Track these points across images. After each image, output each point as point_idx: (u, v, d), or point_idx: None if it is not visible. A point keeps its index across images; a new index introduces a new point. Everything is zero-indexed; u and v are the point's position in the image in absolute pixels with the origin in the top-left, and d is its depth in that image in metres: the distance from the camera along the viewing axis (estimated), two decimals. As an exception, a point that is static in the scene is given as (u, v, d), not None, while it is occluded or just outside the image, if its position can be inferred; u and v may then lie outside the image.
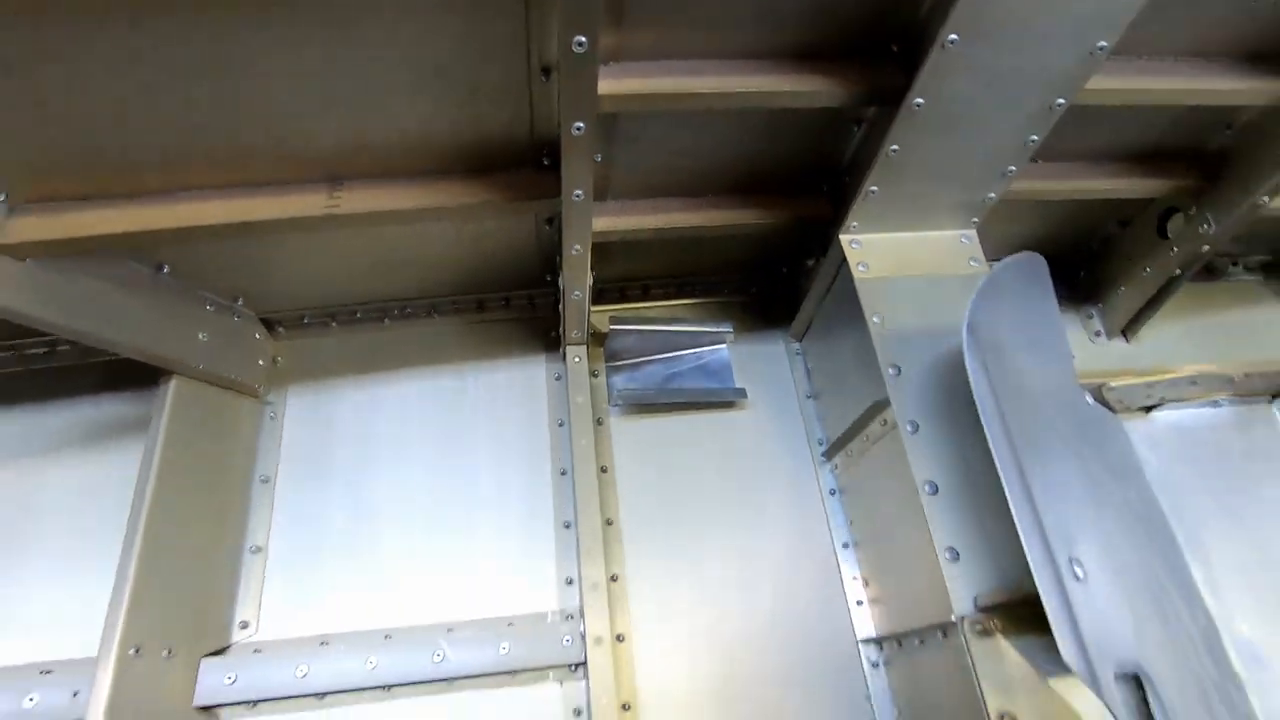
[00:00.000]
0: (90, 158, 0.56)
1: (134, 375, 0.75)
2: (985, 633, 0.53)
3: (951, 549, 0.56)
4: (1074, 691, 0.50)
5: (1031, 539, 0.48)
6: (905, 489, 0.60)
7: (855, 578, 0.73)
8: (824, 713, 0.67)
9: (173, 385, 0.68)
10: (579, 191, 0.60)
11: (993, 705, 0.51)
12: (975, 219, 0.71)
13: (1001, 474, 0.51)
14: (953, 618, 0.54)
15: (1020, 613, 0.53)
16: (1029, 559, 0.48)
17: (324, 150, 0.60)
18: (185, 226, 0.60)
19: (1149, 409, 0.87)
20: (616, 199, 0.72)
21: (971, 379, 0.54)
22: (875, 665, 0.69)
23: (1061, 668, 0.48)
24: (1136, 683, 0.47)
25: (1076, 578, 0.48)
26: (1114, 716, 0.45)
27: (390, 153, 0.61)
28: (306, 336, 0.82)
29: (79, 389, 0.77)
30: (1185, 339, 0.93)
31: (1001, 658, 0.52)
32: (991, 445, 0.52)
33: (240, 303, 0.76)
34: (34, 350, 0.77)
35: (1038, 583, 0.47)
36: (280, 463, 0.76)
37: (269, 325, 0.80)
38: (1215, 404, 0.88)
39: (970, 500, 0.58)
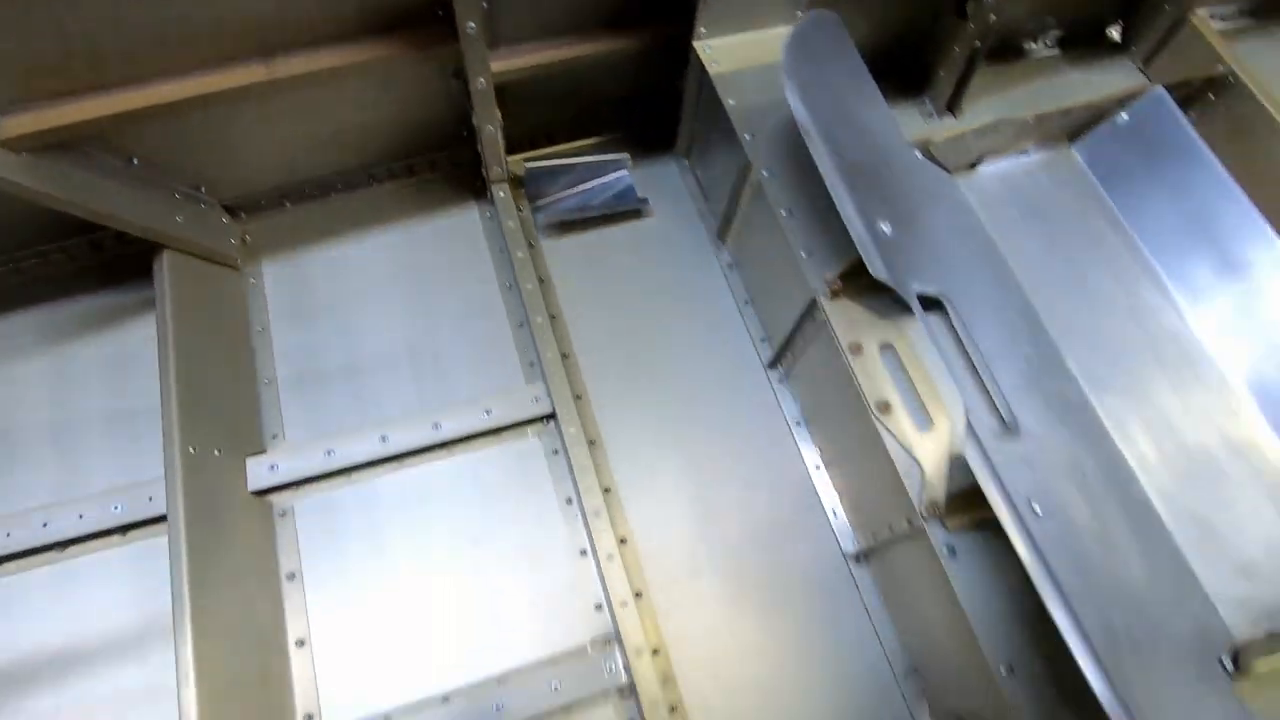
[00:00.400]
0: (65, 59, 0.68)
1: (127, 269, 0.88)
2: (835, 295, 0.72)
3: (806, 248, 0.75)
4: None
5: (847, 208, 0.67)
6: (773, 228, 0.78)
7: (757, 337, 0.92)
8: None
9: (165, 258, 0.81)
10: (471, 24, 0.74)
11: (846, 340, 0.70)
12: (799, 12, 0.88)
13: (830, 187, 0.68)
14: (812, 295, 0.73)
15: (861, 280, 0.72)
16: (847, 225, 0.66)
17: (258, 25, 0.72)
18: (150, 105, 0.73)
19: (973, 165, 1.06)
20: (508, 44, 0.86)
21: (795, 113, 0.71)
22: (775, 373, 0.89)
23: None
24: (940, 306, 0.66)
25: (884, 233, 0.66)
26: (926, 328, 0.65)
27: (314, 22, 0.75)
28: (266, 217, 0.94)
29: (81, 288, 0.89)
30: (1002, 110, 1.13)
31: (847, 312, 0.72)
32: (821, 165, 0.70)
33: (204, 190, 0.88)
34: (28, 261, 0.88)
35: (855, 243, 0.66)
36: (271, 319, 0.89)
37: (231, 212, 0.93)
38: (1025, 153, 1.08)
39: (817, 217, 0.76)
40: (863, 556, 0.80)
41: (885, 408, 0.67)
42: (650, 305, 0.94)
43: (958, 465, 0.64)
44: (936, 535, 0.64)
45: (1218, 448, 0.82)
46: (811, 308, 0.75)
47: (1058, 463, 0.64)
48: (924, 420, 0.67)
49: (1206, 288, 0.86)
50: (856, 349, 0.70)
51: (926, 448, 0.66)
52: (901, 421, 0.67)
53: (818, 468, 0.85)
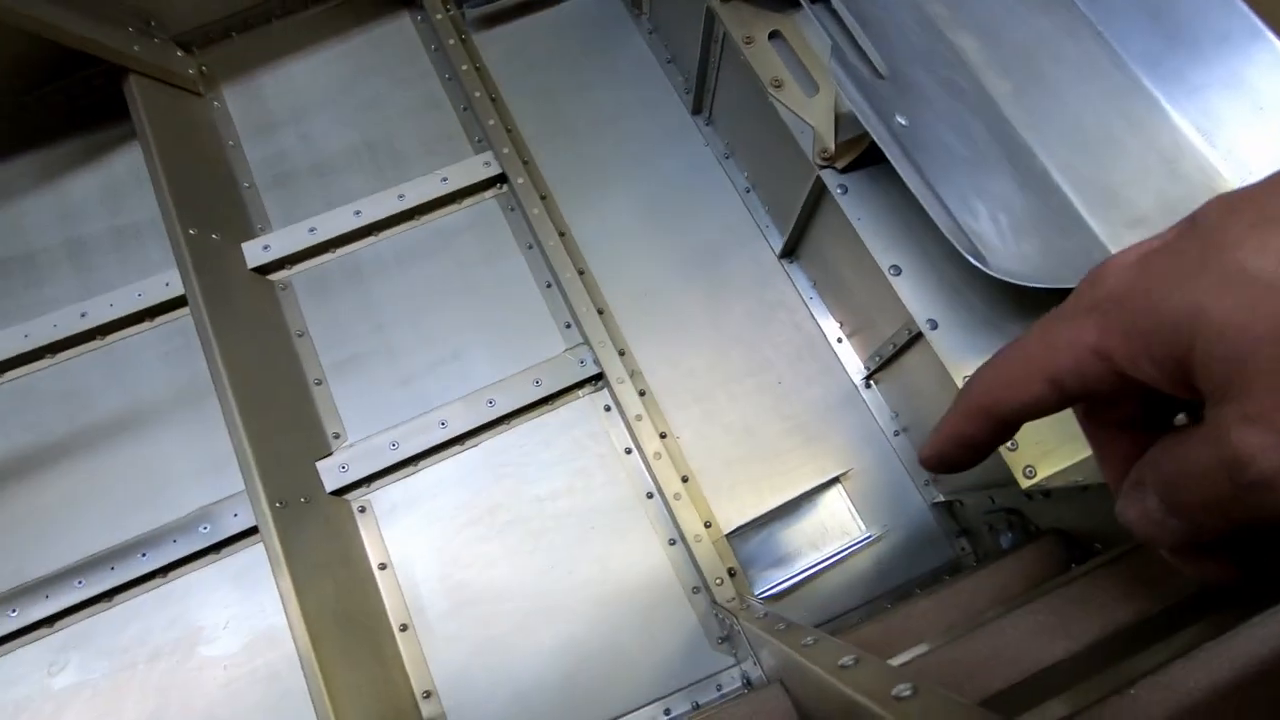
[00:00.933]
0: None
1: (100, 113, 0.97)
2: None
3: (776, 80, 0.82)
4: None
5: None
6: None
7: (681, 90, 1.00)
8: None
9: (134, 82, 0.90)
10: None
11: (740, 34, 0.79)
12: None
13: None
14: (706, 5, 0.81)
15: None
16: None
17: None
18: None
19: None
20: None
21: None
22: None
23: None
24: None
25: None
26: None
27: None
28: (217, 49, 1.02)
29: (62, 133, 0.98)
30: None
31: (738, 12, 0.80)
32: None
33: (154, 25, 0.96)
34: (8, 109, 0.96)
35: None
36: (240, 135, 0.99)
37: (184, 47, 1.00)
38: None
39: None
40: (789, 252, 0.91)
41: (777, 84, 0.76)
42: (581, 78, 1.02)
43: (843, 119, 0.74)
44: (830, 179, 0.74)
45: (1116, 125, 0.90)
46: (710, 23, 0.83)
47: (934, 99, 0.74)
48: (811, 88, 0.76)
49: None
50: (749, 40, 0.78)
51: (815, 109, 0.75)
52: (793, 92, 0.76)
53: (747, 190, 0.95)
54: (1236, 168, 0.80)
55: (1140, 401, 0.22)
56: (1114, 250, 0.78)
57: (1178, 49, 0.85)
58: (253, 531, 0.78)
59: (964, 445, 0.24)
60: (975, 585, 0.64)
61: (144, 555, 0.78)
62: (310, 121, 0.99)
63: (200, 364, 0.78)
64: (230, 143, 0.97)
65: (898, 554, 0.80)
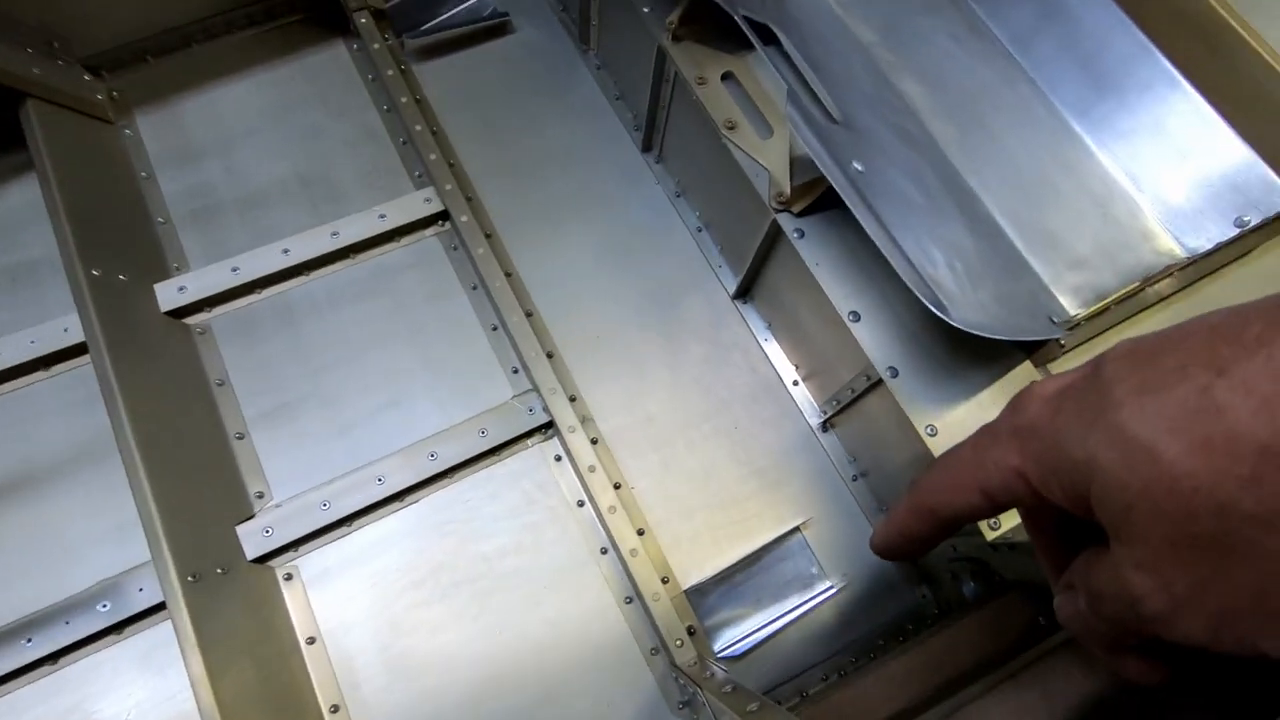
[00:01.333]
0: None
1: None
2: (676, 39, 0.79)
3: (646, 3, 0.81)
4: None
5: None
6: (623, 7, 0.83)
7: (631, 127, 0.98)
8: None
9: (32, 108, 0.82)
10: None
11: (692, 75, 0.77)
12: None
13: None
14: (657, 44, 0.79)
15: (700, 23, 0.78)
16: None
17: None
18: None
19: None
20: None
21: None
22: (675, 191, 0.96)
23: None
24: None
25: None
26: None
27: None
28: (130, 73, 0.94)
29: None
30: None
31: (691, 53, 0.78)
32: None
33: (58, 47, 0.88)
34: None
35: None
36: (154, 166, 0.91)
37: (93, 71, 0.92)
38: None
39: (657, -21, 0.81)
40: (743, 293, 0.89)
41: (731, 125, 0.75)
42: (527, 113, 0.98)
43: (798, 163, 0.73)
44: (786, 224, 0.72)
45: (1051, 170, 0.92)
46: (661, 62, 0.82)
47: (888, 145, 0.73)
48: (766, 130, 0.75)
49: (1028, 32, 0.95)
50: (701, 81, 0.77)
51: (770, 152, 0.74)
52: (747, 135, 0.75)
53: (699, 230, 0.93)
54: (1162, 211, 0.83)
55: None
56: (1057, 293, 0.79)
57: (1106, 96, 0.88)
58: (161, 607, 0.70)
59: (910, 539, 0.28)
60: (944, 643, 0.62)
61: (29, 641, 0.68)
62: (235, 153, 0.92)
63: (104, 417, 0.70)
64: (143, 174, 0.89)
65: (860, 604, 0.78)
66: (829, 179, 0.63)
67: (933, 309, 0.59)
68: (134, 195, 0.88)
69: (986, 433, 0.24)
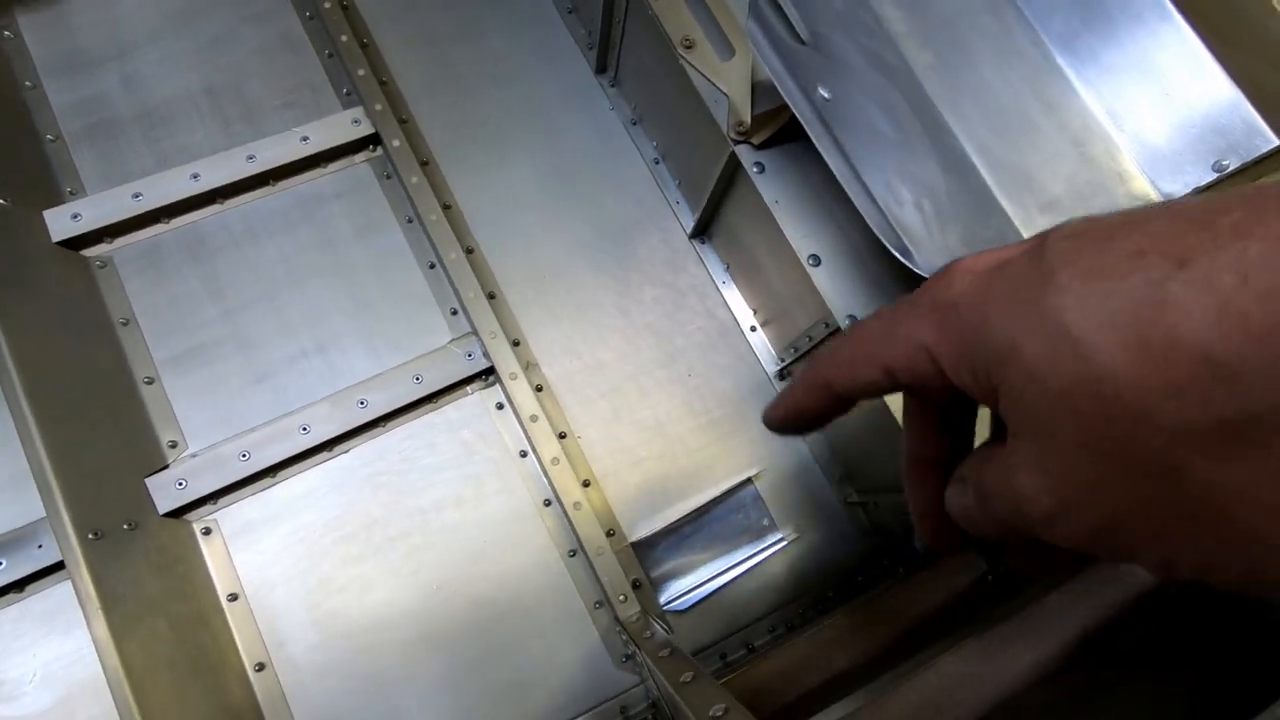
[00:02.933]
0: None
1: None
2: None
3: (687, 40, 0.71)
4: None
5: None
6: None
7: (584, 45, 0.89)
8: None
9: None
10: None
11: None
12: None
13: None
14: None
15: None
16: None
17: None
18: None
19: None
20: None
21: None
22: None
23: None
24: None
25: None
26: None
27: None
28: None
29: None
30: None
31: None
32: None
33: (-87, -73, 0.75)
34: None
35: None
36: (40, 74, 0.80)
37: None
38: None
39: None
40: (701, 231, 0.83)
41: (689, 43, 0.68)
42: (470, 25, 0.89)
43: (760, 89, 0.66)
44: (746, 155, 0.66)
45: (1031, 106, 0.86)
46: (614, -32, 0.73)
47: (858, 71, 0.67)
48: (726, 51, 0.68)
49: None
50: (657, -9, 0.69)
51: (731, 75, 0.67)
52: (706, 55, 0.68)
53: (656, 161, 0.86)
54: (1141, 152, 0.78)
55: (957, 394, 0.22)
56: (1025, 235, 0.75)
57: (1094, 27, 0.81)
58: (63, 565, 0.64)
59: (801, 414, 0.26)
60: (890, 600, 0.60)
61: (-85, 602, 0.63)
62: (135, 60, 0.82)
63: (-12, 360, 0.63)
64: (28, 84, 0.79)
65: (810, 556, 0.76)
66: (791, 107, 0.57)
67: (897, 255, 0.54)
68: (17, 107, 0.78)
69: (901, 305, 0.22)
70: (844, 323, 0.62)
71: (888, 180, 0.60)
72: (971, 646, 0.41)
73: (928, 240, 0.59)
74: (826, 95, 0.60)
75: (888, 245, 0.54)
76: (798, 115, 0.57)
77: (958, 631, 0.54)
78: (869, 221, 0.55)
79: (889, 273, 0.64)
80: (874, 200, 0.57)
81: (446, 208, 0.79)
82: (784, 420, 0.27)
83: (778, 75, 0.58)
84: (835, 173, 0.56)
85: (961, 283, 0.20)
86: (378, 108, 0.79)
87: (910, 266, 0.54)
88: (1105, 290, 0.16)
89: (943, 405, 0.25)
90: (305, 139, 0.79)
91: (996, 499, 0.20)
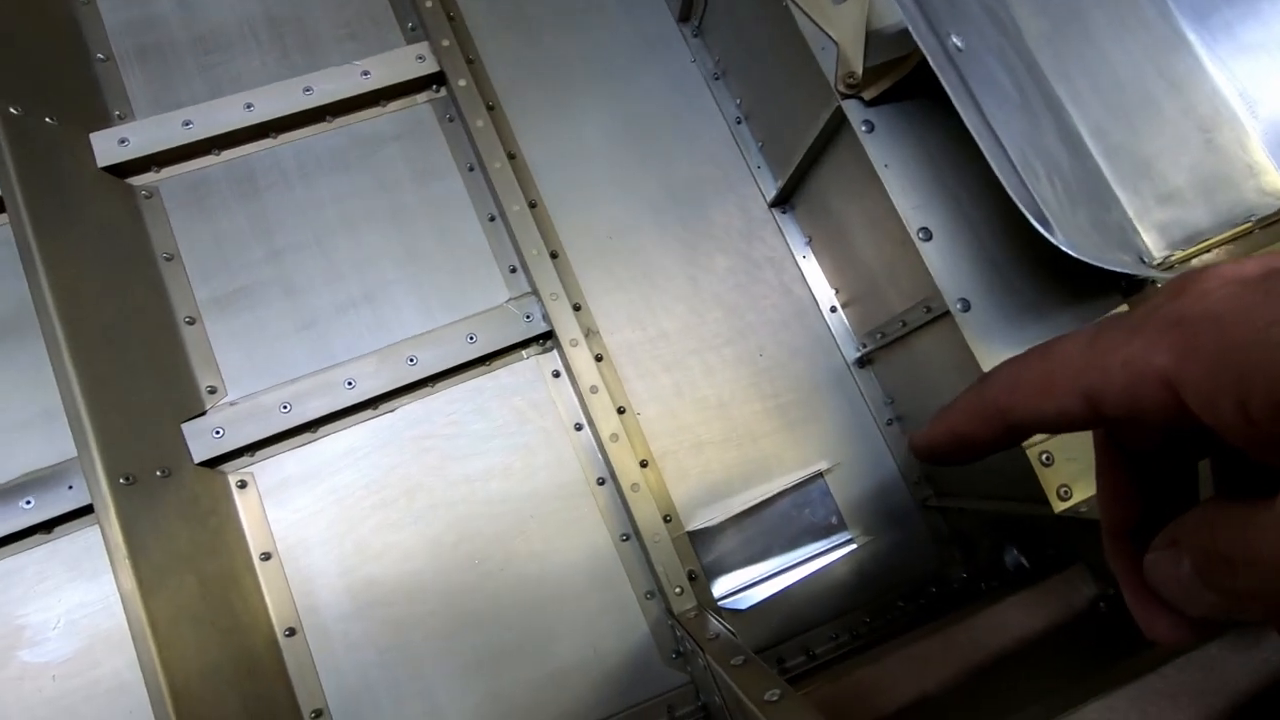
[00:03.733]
0: None
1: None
2: None
3: None
4: None
5: None
6: None
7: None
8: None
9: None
10: None
11: None
12: None
13: None
14: None
15: None
16: None
17: None
18: None
19: None
20: None
21: None
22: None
23: None
24: None
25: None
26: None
27: None
28: None
29: None
30: None
31: None
32: None
33: None
34: None
35: None
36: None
37: None
38: None
39: None
40: (784, 200, 0.76)
41: (797, -18, 0.60)
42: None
43: (876, 38, 0.58)
44: (854, 112, 0.59)
45: (1154, 84, 0.77)
46: None
47: (981, 26, 0.59)
48: (840, -9, 0.60)
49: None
50: (765, -78, 0.62)
51: (843, 21, 0.59)
52: (816, -3, 0.60)
53: (739, 121, 0.79)
54: (1276, 143, 0.70)
55: (1180, 437, 0.18)
56: (1142, 229, 0.67)
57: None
58: (93, 509, 0.61)
59: (964, 443, 0.21)
60: (985, 621, 0.54)
61: (-60, 535, 0.60)
62: None
63: (24, 286, 0.59)
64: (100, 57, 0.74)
65: (880, 560, 0.70)
66: (924, 52, 0.50)
67: (1037, 225, 0.47)
68: (69, 22, 0.73)
69: (1119, 323, 0.18)
70: (955, 306, 0.55)
71: (1021, 147, 0.53)
72: (1123, 696, 0.34)
73: (1062, 216, 0.52)
74: (960, 44, 0.53)
75: (1026, 213, 0.47)
76: (931, 63, 0.49)
77: (1068, 666, 0.47)
78: (1006, 185, 0.47)
79: (1009, 255, 0.57)
80: (1013, 165, 0.49)
81: (511, 156, 0.73)
82: (940, 448, 0.22)
83: (910, 16, 0.50)
84: (972, 131, 0.48)
85: (1222, 292, 0.16)
86: (444, 44, 0.73)
87: (1050, 239, 0.47)
88: None
89: (1148, 455, 0.20)
90: (366, 74, 0.73)
91: (1256, 571, 0.16)
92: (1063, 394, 0.19)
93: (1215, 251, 0.65)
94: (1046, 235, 0.46)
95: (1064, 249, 0.46)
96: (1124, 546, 0.21)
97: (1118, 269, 0.50)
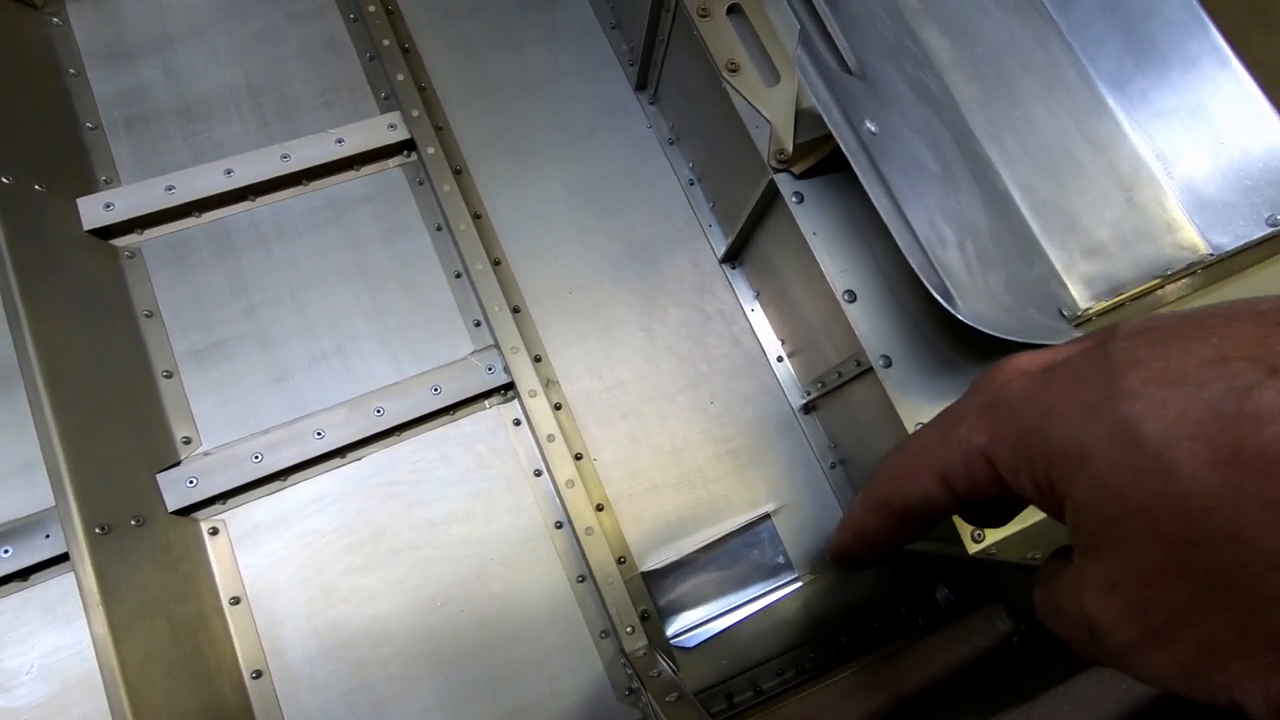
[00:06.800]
0: None
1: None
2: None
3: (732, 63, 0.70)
4: None
5: None
6: None
7: (625, 62, 0.88)
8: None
9: (-65, -20, 0.71)
10: None
11: (694, 5, 0.68)
12: None
13: None
14: (660, -31, 0.69)
15: None
16: None
17: None
18: None
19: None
20: None
21: None
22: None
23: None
24: None
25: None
26: None
27: None
28: (61, -48, 0.83)
29: None
30: None
31: None
32: None
33: (-28, -88, 0.76)
34: None
35: None
36: (84, 62, 0.81)
37: (15, -55, 0.81)
38: None
39: None
40: (733, 256, 0.81)
41: (734, 67, 0.66)
42: (511, 35, 0.88)
43: (804, 117, 0.64)
44: (785, 184, 0.65)
45: (1078, 146, 0.84)
46: (661, -13, 0.72)
47: (905, 103, 0.65)
48: (771, 76, 0.66)
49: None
50: (704, 13, 0.68)
51: (774, 102, 0.65)
52: (750, 80, 0.66)
53: (691, 183, 0.85)
54: (1191, 201, 0.76)
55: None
56: (1069, 281, 0.72)
57: (1146, 69, 0.79)
58: (68, 557, 0.64)
59: (865, 540, 0.25)
60: (912, 656, 0.58)
61: (-81, 584, 0.63)
62: (178, 54, 0.82)
63: (9, 342, 0.62)
64: (71, 71, 0.79)
65: (825, 599, 0.74)
66: (837, 139, 0.56)
67: (939, 298, 0.52)
68: (59, 94, 0.78)
69: (953, 410, 0.21)
70: (878, 363, 0.60)
71: (931, 219, 0.58)
72: (1002, 722, 0.38)
73: (969, 283, 0.57)
74: (874, 129, 0.59)
75: (929, 287, 0.52)
76: (843, 147, 0.55)
77: (981, 698, 0.51)
78: (911, 260, 0.53)
79: (927, 314, 0.62)
80: (917, 239, 0.55)
81: (476, 217, 0.78)
82: (848, 549, 0.25)
83: (824, 105, 0.56)
84: (878, 208, 0.54)
85: (1018, 382, 0.19)
86: (415, 113, 0.79)
87: (951, 311, 0.52)
88: (1184, 397, 0.15)
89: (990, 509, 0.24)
90: (340, 140, 0.78)
91: (1068, 623, 0.19)
92: (923, 478, 0.22)
93: (1127, 307, 0.71)
94: (948, 308, 0.51)
95: (962, 319, 0.51)
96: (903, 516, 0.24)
97: (1020, 338, 0.55)
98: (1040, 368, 0.19)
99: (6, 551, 0.64)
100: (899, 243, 0.53)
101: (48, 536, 0.65)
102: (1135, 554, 0.16)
